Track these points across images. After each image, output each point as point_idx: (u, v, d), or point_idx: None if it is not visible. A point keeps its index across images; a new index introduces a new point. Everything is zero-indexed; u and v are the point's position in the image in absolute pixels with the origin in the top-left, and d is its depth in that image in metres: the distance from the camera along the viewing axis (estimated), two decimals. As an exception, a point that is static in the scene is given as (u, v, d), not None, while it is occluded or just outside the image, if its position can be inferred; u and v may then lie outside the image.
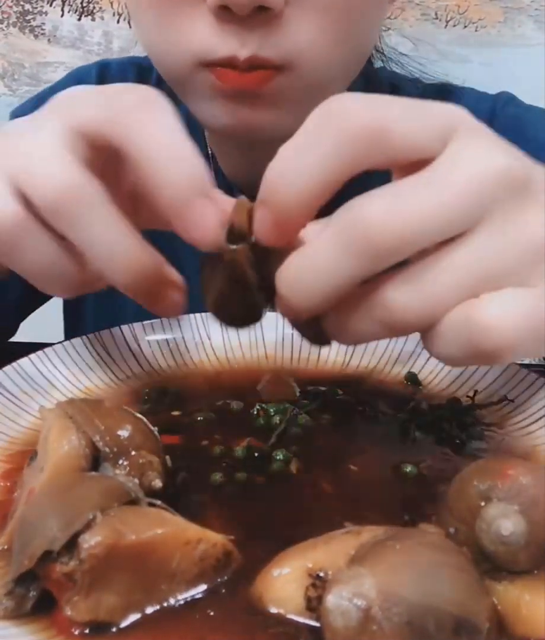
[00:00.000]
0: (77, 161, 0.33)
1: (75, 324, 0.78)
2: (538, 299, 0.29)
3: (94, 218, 0.32)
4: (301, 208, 0.30)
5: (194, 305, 0.51)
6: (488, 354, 0.29)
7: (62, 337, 0.70)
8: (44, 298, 0.77)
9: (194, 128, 0.67)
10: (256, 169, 0.68)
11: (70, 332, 0.79)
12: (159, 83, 0.73)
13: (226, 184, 0.66)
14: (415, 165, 0.29)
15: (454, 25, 1.76)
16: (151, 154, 0.32)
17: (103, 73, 0.75)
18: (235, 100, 0.50)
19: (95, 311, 0.74)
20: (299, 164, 0.29)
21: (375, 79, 0.67)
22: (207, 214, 0.32)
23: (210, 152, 0.66)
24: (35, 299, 0.74)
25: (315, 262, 0.29)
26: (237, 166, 0.66)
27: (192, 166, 0.32)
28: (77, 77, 0.76)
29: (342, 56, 0.51)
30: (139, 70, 0.75)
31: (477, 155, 0.29)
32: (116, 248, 0.32)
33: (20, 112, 0.75)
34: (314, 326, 0.33)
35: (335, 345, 0.49)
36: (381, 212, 0.28)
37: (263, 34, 0.47)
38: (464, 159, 0.29)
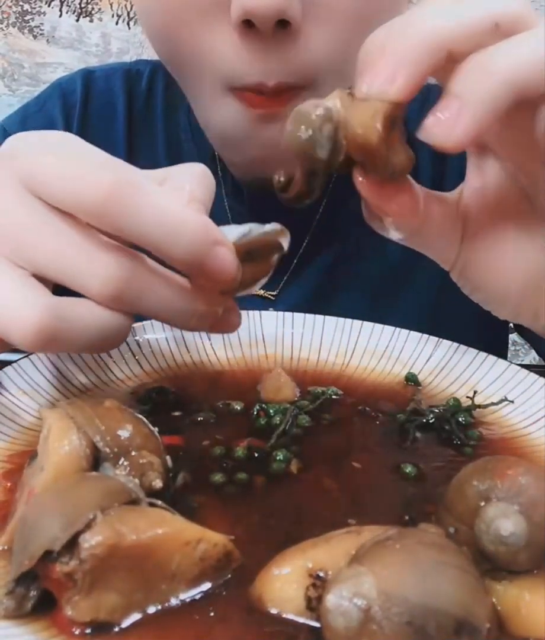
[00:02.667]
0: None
1: None
2: None
3: (154, 293, 0.33)
4: (435, 47, 0.30)
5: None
6: None
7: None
8: None
9: (200, 131, 0.68)
10: (265, 169, 0.68)
11: None
12: (150, 89, 0.73)
13: (234, 185, 0.66)
14: None
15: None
16: (152, 236, 0.31)
17: (88, 84, 0.73)
18: (263, 122, 0.51)
19: None
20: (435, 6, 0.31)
21: None
22: (224, 259, 0.33)
23: (216, 153, 0.66)
24: None
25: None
26: (246, 167, 0.66)
27: (194, 230, 0.32)
28: (62, 89, 0.74)
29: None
30: (128, 77, 0.74)
31: None
32: (178, 308, 0.34)
33: (8, 125, 0.73)
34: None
35: (333, 345, 0.50)
36: None
37: (285, 55, 0.48)
38: None
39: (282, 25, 0.46)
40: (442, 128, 0.30)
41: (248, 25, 0.46)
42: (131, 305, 0.33)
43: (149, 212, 0.31)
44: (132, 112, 0.72)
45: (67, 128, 0.71)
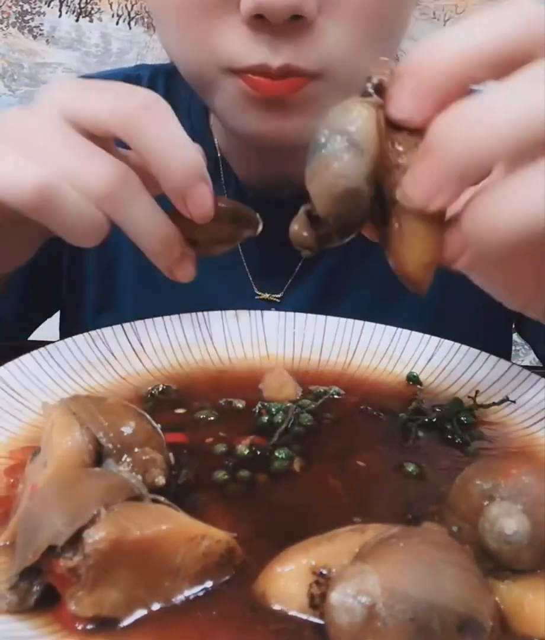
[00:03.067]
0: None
1: (74, 325, 0.77)
2: None
3: (137, 203, 0.39)
4: (446, 78, 0.28)
5: (195, 305, 0.51)
6: None
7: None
8: (41, 317, 0.76)
9: (203, 132, 0.67)
10: (269, 173, 0.68)
11: (71, 330, 0.78)
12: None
13: (239, 188, 0.66)
14: None
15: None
16: (157, 151, 0.39)
17: None
18: (265, 107, 0.50)
19: (95, 311, 0.74)
20: (456, 35, 0.29)
21: None
22: (204, 194, 0.40)
23: (219, 155, 0.66)
24: (32, 318, 0.74)
25: (509, 97, 0.27)
26: (250, 169, 0.65)
27: (191, 158, 0.39)
28: None
29: (373, 60, 0.51)
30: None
31: None
32: (152, 225, 0.40)
33: None
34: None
35: (335, 345, 0.50)
36: None
37: (296, 43, 0.46)
38: None
39: (296, 17, 0.44)
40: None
41: (259, 18, 0.45)
42: (117, 208, 0.39)
43: (161, 132, 0.38)
44: None
45: None
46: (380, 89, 0.30)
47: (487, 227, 0.28)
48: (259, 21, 0.45)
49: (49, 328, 0.76)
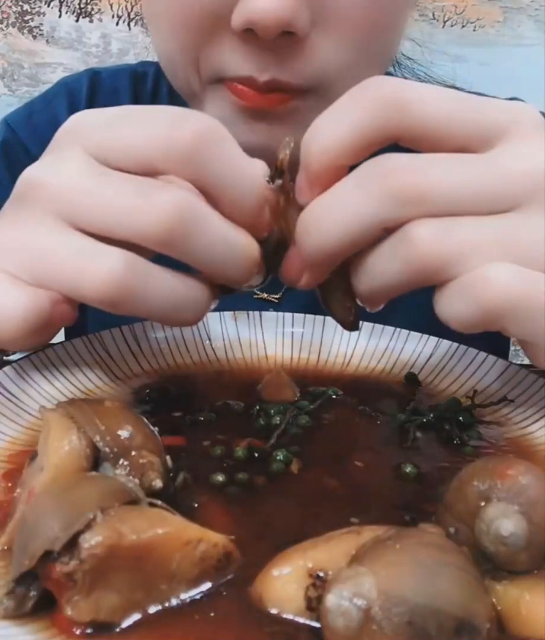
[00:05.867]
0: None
1: (75, 325, 0.77)
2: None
3: (207, 233, 0.34)
4: (329, 164, 0.33)
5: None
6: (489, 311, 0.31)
7: (62, 338, 0.70)
8: None
9: None
10: None
11: (70, 332, 0.78)
12: (155, 90, 0.73)
13: None
14: None
15: (452, 26, 1.76)
16: (223, 189, 0.34)
17: (94, 83, 0.74)
18: (252, 118, 0.49)
19: (94, 312, 0.74)
20: (326, 124, 0.33)
21: None
22: (262, 223, 0.36)
23: None
24: None
25: (336, 200, 0.33)
26: None
27: (257, 189, 0.35)
28: (68, 88, 0.74)
29: (368, 73, 0.51)
30: (133, 78, 0.74)
31: (524, 151, 0.32)
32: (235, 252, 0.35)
33: (12, 120, 0.73)
34: (344, 302, 0.38)
35: (335, 345, 0.50)
36: (408, 163, 0.31)
37: (285, 59, 0.46)
38: (509, 152, 0.32)
39: (287, 33, 0.44)
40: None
41: (250, 32, 0.44)
42: (187, 240, 0.33)
43: (227, 165, 0.34)
44: None
45: None
46: (282, 168, 0.35)
47: (316, 233, 0.33)
48: (250, 35, 0.45)
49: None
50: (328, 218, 0.33)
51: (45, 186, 0.34)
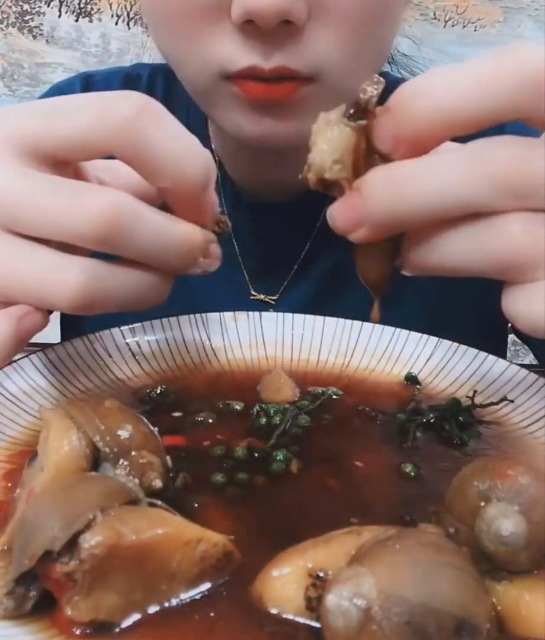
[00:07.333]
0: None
1: (71, 324, 0.77)
2: None
3: (142, 230, 0.34)
4: (425, 130, 0.30)
5: (192, 306, 0.51)
6: None
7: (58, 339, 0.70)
8: None
9: (202, 134, 0.67)
10: (265, 176, 0.68)
11: (67, 332, 0.78)
12: (150, 93, 0.73)
13: (234, 191, 0.66)
14: None
15: (453, 25, 1.76)
16: (166, 161, 0.34)
17: (87, 87, 0.74)
18: (260, 110, 0.50)
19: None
20: (449, 79, 0.30)
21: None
22: (210, 205, 0.37)
23: (217, 158, 0.66)
24: None
25: (438, 170, 0.30)
26: (246, 173, 0.66)
27: (203, 166, 0.35)
28: (61, 93, 0.72)
29: (365, 65, 0.51)
30: (126, 80, 0.74)
31: None
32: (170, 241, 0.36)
33: None
34: (381, 265, 0.36)
35: (334, 346, 0.50)
36: (527, 153, 0.29)
37: (287, 47, 0.47)
38: None
39: (286, 22, 0.45)
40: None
41: (250, 23, 0.45)
42: (123, 240, 0.34)
43: (166, 136, 0.34)
44: None
45: None
46: (367, 108, 0.32)
47: (400, 196, 0.31)
48: (250, 26, 0.45)
49: (50, 329, 0.76)
50: (421, 184, 0.30)
51: None
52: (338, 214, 0.33)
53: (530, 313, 0.32)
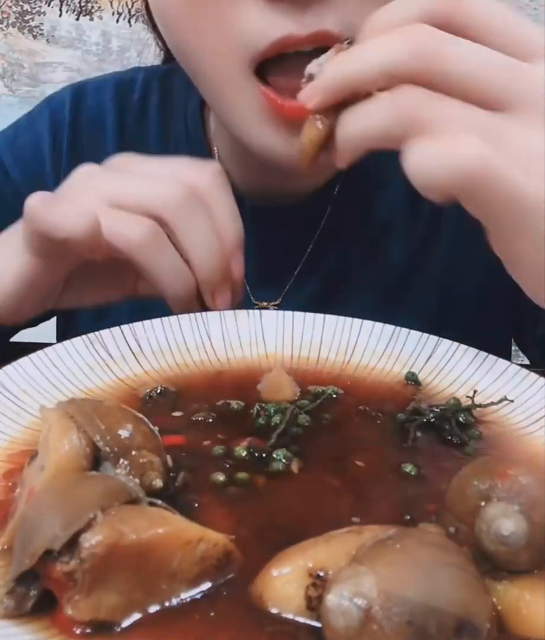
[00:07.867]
0: None
1: (67, 325, 0.77)
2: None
3: (163, 253, 0.47)
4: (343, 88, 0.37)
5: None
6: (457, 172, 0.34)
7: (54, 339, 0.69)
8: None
9: (200, 138, 0.67)
10: (269, 183, 0.67)
11: (63, 333, 0.77)
12: (144, 98, 0.71)
13: (237, 196, 0.66)
14: None
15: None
16: (194, 250, 0.48)
17: (78, 99, 0.72)
18: (287, 128, 0.48)
19: (93, 319, 0.72)
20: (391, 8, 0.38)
21: None
22: (228, 295, 0.50)
23: (218, 157, 0.66)
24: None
25: (378, 40, 0.37)
26: (250, 179, 0.65)
27: (225, 260, 0.49)
28: (51, 106, 0.73)
29: None
30: (119, 89, 0.72)
31: None
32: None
33: None
34: (315, 141, 0.40)
35: (335, 344, 0.50)
36: (451, 37, 0.36)
37: (318, 8, 0.45)
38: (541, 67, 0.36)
39: None
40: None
41: None
42: (144, 258, 0.47)
43: (200, 228, 0.48)
44: (123, 127, 0.71)
45: (55, 146, 0.70)
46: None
47: (347, 63, 0.38)
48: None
49: (49, 328, 0.76)
50: (364, 51, 0.37)
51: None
52: (303, 91, 0.39)
53: (423, 166, 0.35)
